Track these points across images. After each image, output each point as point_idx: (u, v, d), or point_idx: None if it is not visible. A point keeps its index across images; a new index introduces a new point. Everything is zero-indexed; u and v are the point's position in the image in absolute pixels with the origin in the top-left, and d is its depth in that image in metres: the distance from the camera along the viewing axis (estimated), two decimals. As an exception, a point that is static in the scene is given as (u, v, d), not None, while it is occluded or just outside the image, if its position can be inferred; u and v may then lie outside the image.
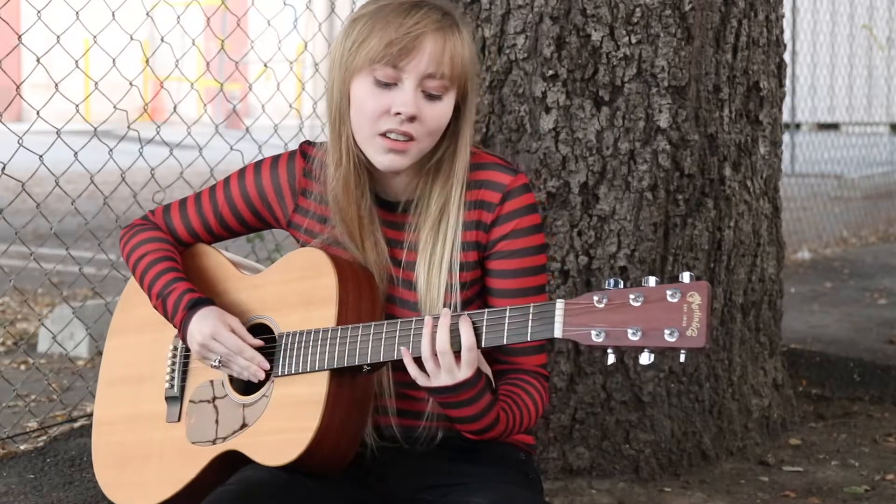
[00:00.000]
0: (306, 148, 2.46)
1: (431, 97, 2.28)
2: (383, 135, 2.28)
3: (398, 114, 2.26)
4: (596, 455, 3.61)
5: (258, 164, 2.48)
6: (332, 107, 2.34)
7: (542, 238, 2.38)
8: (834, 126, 16.73)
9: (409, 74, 2.26)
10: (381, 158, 2.30)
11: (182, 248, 2.54)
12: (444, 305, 2.31)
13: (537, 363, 2.38)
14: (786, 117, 10.63)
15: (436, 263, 2.33)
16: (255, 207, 2.48)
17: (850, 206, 10.86)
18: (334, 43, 2.36)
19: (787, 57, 4.10)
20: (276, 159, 2.47)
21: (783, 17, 4.02)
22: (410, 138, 2.28)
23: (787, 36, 6.87)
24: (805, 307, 6.35)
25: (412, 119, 2.26)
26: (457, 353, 2.18)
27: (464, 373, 2.19)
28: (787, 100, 6.16)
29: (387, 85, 2.27)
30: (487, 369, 2.30)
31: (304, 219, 2.44)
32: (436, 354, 2.18)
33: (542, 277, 2.39)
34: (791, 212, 9.03)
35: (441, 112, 2.30)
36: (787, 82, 5.24)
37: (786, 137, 10.85)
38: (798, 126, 13.73)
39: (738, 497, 3.52)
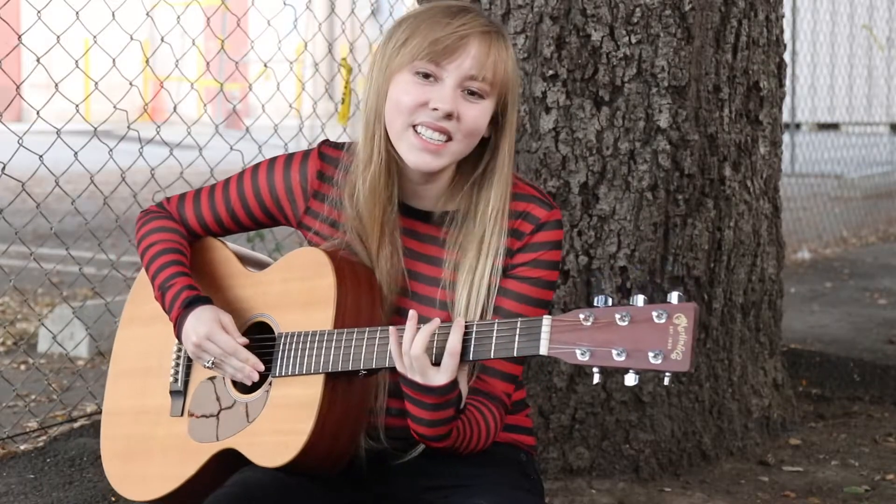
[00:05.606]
0: (325, 149, 2.44)
1: (472, 94, 2.27)
2: (415, 128, 2.26)
3: (435, 109, 2.25)
4: (596, 455, 3.61)
5: (272, 162, 2.47)
6: (368, 107, 2.33)
7: (556, 275, 2.38)
8: (834, 126, 16.73)
9: (451, 74, 2.25)
10: (414, 157, 2.28)
11: (192, 238, 2.53)
12: None
13: (505, 390, 2.35)
14: (786, 117, 10.63)
15: (475, 286, 2.31)
16: (265, 205, 2.46)
17: (850, 206, 10.86)
18: (377, 47, 2.34)
19: (787, 57, 4.10)
20: (290, 158, 2.45)
21: (783, 17, 4.02)
22: (448, 137, 2.26)
23: (787, 36, 6.87)
24: (805, 307, 6.36)
25: (449, 116, 2.25)
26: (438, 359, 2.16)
27: (440, 378, 2.17)
28: (787, 100, 6.16)
29: (426, 77, 2.26)
30: (464, 388, 2.24)
31: (315, 221, 2.42)
32: (404, 355, 2.17)
33: (544, 312, 2.35)
34: (791, 212, 9.03)
35: (479, 113, 2.28)
36: (787, 82, 5.23)
37: (786, 137, 10.84)
38: (798, 126, 13.72)
39: (738, 497, 3.52)
